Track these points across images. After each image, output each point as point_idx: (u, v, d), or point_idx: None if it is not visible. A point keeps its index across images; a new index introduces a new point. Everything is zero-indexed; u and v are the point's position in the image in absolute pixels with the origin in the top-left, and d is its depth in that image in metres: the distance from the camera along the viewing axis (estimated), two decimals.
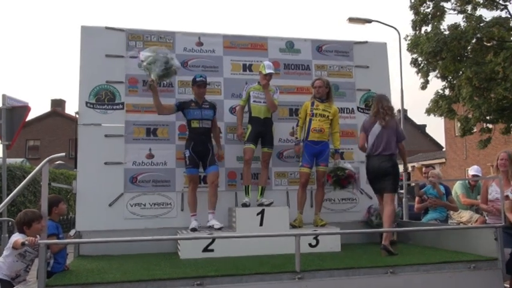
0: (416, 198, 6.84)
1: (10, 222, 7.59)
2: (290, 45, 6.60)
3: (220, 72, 6.29)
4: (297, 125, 6.05)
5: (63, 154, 4.93)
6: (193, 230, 5.40)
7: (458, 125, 18.20)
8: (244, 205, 5.65)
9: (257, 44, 6.49)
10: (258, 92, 5.88)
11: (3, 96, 7.57)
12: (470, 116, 16.62)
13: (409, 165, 16.54)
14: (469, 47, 16.09)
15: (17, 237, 3.99)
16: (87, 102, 5.82)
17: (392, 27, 17.91)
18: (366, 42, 6.89)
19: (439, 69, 16.61)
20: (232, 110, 6.22)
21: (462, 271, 4.41)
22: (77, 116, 5.84)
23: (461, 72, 16.25)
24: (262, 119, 5.86)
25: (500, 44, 15.61)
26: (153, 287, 3.79)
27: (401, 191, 9.44)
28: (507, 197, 5.11)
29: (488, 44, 16.00)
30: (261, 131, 5.85)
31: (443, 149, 33.32)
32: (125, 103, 5.92)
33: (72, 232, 5.38)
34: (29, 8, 70.11)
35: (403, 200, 9.93)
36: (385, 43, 6.97)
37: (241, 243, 4.97)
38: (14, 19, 67.34)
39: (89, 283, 3.78)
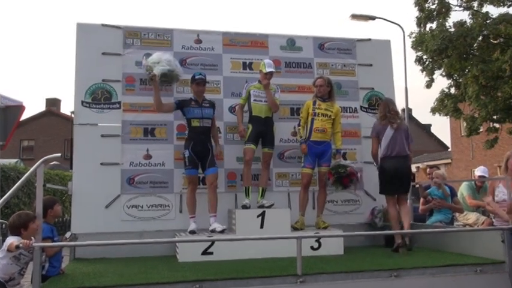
0: (421, 200, 6.85)
1: (4, 225, 7.59)
2: (291, 42, 6.60)
3: (219, 71, 6.29)
4: (299, 125, 6.05)
5: (59, 155, 4.92)
6: (192, 232, 5.41)
7: (464, 124, 18.21)
8: (245, 207, 5.65)
9: (257, 42, 6.50)
10: (258, 90, 5.89)
11: None
12: (476, 115, 16.62)
13: (414, 166, 16.53)
14: (475, 45, 16.10)
15: (11, 239, 3.99)
16: (83, 102, 5.83)
17: (396, 24, 17.92)
18: (369, 39, 6.89)
19: (445, 67, 16.63)
20: (232, 109, 6.22)
21: (468, 274, 4.41)
22: (73, 115, 5.86)
23: (467, 70, 16.26)
24: (263, 119, 5.86)
25: (507, 41, 15.61)
26: None
27: None
28: None
29: (495, 42, 16.02)
30: (262, 131, 5.86)
31: (449, 149, 33.31)
32: (122, 102, 5.92)
33: (67, 234, 5.38)
34: (22, 4, 70.24)
35: (408, 201, 9.91)
36: (389, 40, 6.98)
37: (241, 246, 4.97)
38: (7, 15, 67.46)
39: (85, 287, 3.79)
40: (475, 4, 16.72)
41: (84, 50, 5.90)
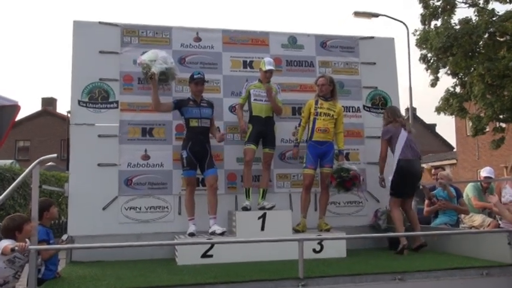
0: (426, 201, 6.84)
1: None
2: (293, 40, 6.60)
3: (219, 69, 6.29)
4: (299, 125, 6.05)
5: (55, 155, 4.95)
6: (191, 234, 5.41)
7: (470, 124, 18.19)
8: (245, 209, 5.65)
9: (258, 40, 6.50)
10: (258, 90, 5.89)
11: None
12: (482, 114, 16.60)
13: None
14: (481, 42, 16.08)
15: (5, 242, 3.99)
16: (79, 101, 5.83)
17: (400, 21, 17.96)
18: (373, 37, 6.89)
19: (450, 65, 16.61)
20: (232, 109, 6.22)
21: (474, 278, 4.41)
22: (69, 115, 5.85)
23: (473, 68, 16.24)
24: (264, 118, 5.86)
25: None
26: None
27: None
28: None
29: (502, 39, 15.99)
30: (262, 131, 5.86)
31: (454, 150, 33.29)
32: (120, 102, 5.92)
33: (64, 237, 5.37)
34: (18, 0, 70.29)
35: (413, 203, 9.90)
36: (393, 38, 6.98)
37: (242, 249, 4.98)
38: (1, 12, 67.52)
39: None
40: (481, 1, 16.70)
41: (81, 48, 5.90)
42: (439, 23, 16.92)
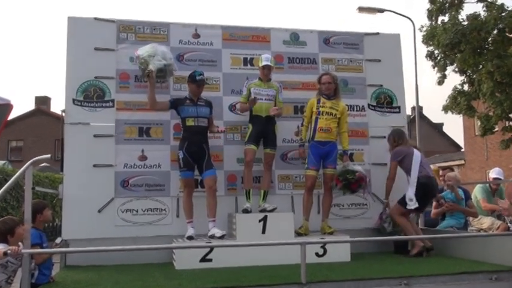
0: (434, 203, 6.83)
1: None
2: (295, 37, 6.60)
3: (218, 67, 6.29)
4: (302, 124, 6.05)
5: (49, 156, 4.94)
6: (190, 238, 5.41)
7: (479, 123, 18.19)
8: (245, 211, 5.65)
9: (259, 36, 6.50)
10: (259, 88, 5.89)
11: None
12: (491, 113, 16.60)
13: None
14: (489, 39, 16.08)
15: None
16: (74, 100, 5.83)
17: (406, 17, 17.97)
18: (378, 33, 6.89)
19: (458, 62, 16.61)
20: (232, 108, 6.22)
21: (483, 282, 4.41)
22: (63, 114, 5.86)
23: (481, 66, 16.24)
24: (264, 118, 5.86)
25: None
26: None
27: None
28: None
29: (511, 36, 15.98)
30: (263, 131, 5.86)
31: (462, 150, 33.26)
32: (116, 100, 5.93)
33: (58, 240, 5.38)
34: None
35: None
36: (399, 34, 6.97)
37: (242, 253, 4.98)
38: None
39: None
40: None
41: (76, 45, 5.91)
42: (446, 18, 16.93)
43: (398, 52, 6.89)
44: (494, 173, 7.38)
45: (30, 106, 39.20)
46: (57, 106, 58.16)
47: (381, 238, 5.94)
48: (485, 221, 6.73)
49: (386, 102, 6.71)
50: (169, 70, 5.73)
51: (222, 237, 5.32)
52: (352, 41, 6.75)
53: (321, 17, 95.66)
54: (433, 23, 17.22)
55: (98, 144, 5.78)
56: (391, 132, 6.17)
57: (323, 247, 5.31)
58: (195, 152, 5.56)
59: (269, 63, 5.86)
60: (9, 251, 3.77)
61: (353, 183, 5.75)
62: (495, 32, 15.81)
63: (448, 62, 17.06)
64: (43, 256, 4.37)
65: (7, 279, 4.10)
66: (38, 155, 4.79)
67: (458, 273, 4.46)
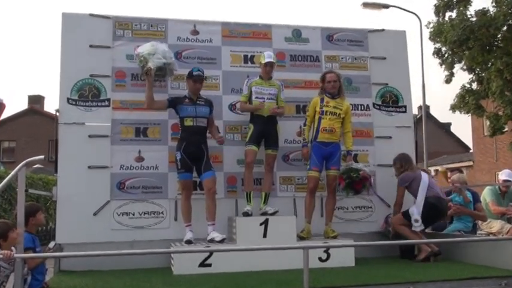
0: None
1: None
2: (297, 33, 6.60)
3: (218, 65, 6.29)
4: (305, 124, 6.05)
5: (42, 157, 4.95)
6: (188, 242, 5.41)
7: (488, 123, 18.23)
8: (246, 214, 5.66)
9: (260, 33, 6.50)
10: (260, 87, 5.89)
11: None
12: (500, 113, 16.62)
13: (432, 169, 16.52)
14: (499, 36, 16.10)
15: None
16: (68, 99, 5.84)
17: (412, 13, 17.92)
18: (383, 30, 6.89)
19: (466, 60, 16.63)
20: (232, 107, 6.22)
21: None
22: (58, 114, 5.86)
23: (490, 63, 16.26)
24: (266, 117, 5.86)
25: None
26: None
27: None
28: None
29: None
30: (264, 131, 5.86)
31: (471, 151, 33.25)
32: (112, 99, 5.93)
33: (51, 245, 5.38)
34: None
35: None
36: (404, 31, 6.97)
37: (242, 257, 4.98)
38: None
39: None
40: None
41: (70, 43, 5.91)
42: (454, 14, 16.96)
43: (404, 49, 6.89)
44: (504, 175, 7.37)
45: (23, 105, 39.30)
46: (51, 105, 58.13)
47: (386, 242, 5.95)
48: (495, 225, 6.72)
49: (392, 101, 6.70)
50: (169, 69, 5.74)
51: (221, 241, 5.31)
52: (357, 38, 6.75)
53: (324, 13, 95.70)
54: (441, 19, 17.25)
55: (93, 144, 5.78)
56: (398, 158, 6.13)
57: (326, 251, 5.30)
58: (193, 153, 5.56)
59: (272, 60, 5.86)
60: (1, 256, 3.78)
61: (357, 182, 5.75)
62: (505, 28, 15.83)
63: (456, 59, 17.09)
64: (36, 261, 4.38)
65: None
66: (31, 156, 4.81)
67: (467, 278, 4.45)
